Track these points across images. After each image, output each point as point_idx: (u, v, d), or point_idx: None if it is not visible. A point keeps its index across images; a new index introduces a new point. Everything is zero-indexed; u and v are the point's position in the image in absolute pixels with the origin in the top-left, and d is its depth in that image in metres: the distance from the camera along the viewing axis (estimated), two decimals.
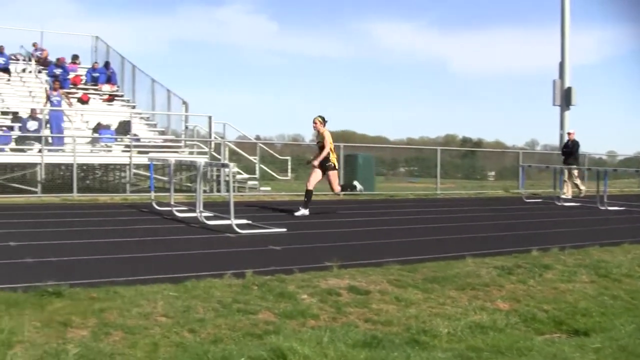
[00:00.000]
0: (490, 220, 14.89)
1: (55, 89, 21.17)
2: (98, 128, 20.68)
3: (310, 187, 14.04)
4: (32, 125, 19.38)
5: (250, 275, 7.10)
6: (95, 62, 27.50)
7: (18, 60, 27.07)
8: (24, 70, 26.46)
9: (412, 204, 19.25)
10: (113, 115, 22.40)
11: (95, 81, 26.23)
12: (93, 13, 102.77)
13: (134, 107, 24.57)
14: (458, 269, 8.14)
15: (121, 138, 20.55)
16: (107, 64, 26.94)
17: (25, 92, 24.16)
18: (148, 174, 18.94)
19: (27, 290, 6.18)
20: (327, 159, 13.81)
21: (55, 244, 9.66)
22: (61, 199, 16.85)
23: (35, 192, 17.51)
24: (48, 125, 19.78)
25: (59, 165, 21.41)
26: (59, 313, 5.58)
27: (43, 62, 26.59)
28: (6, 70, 25.41)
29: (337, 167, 14.12)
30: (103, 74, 26.42)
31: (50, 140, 19.44)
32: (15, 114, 21.09)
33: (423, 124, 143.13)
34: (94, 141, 20.58)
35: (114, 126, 20.97)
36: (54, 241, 9.94)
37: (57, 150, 19.23)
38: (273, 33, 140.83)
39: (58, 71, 25.00)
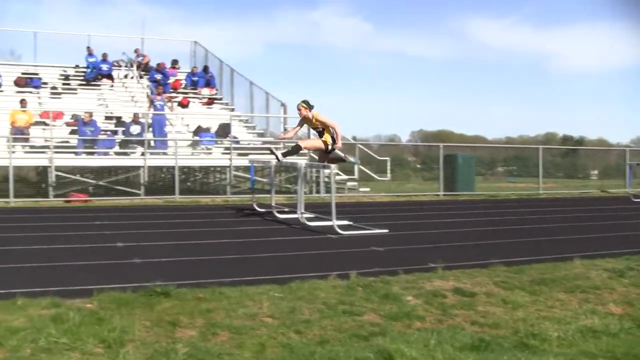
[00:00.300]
0: (597, 221, 14.37)
1: (159, 94, 21.70)
2: (198, 131, 21.04)
3: (302, 144, 13.21)
4: (135, 129, 19.90)
5: (355, 277, 7.06)
6: (194, 67, 28.06)
7: (120, 66, 27.84)
8: (126, 76, 27.22)
9: (514, 204, 18.80)
10: (213, 118, 22.75)
11: (194, 85, 26.75)
12: (191, 19, 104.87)
13: (232, 109, 24.94)
14: (566, 270, 7.87)
15: (221, 140, 20.85)
16: (205, 68, 27.44)
17: (128, 97, 24.86)
18: (247, 175, 19.14)
19: (136, 290, 6.31)
20: (322, 133, 12.61)
21: (160, 245, 9.87)
22: (164, 201, 17.23)
23: (139, 194, 17.95)
24: (150, 129, 20.25)
25: (160, 167, 21.90)
26: (167, 313, 5.69)
27: (144, 68, 27.28)
28: (109, 76, 26.24)
29: (326, 144, 12.51)
30: (202, 78, 26.92)
31: (152, 143, 19.92)
32: (118, 118, 21.70)
33: (521, 123, 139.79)
34: (194, 144, 20.94)
35: (213, 129, 21.27)
36: (159, 242, 10.16)
37: (159, 153, 19.66)
38: (368, 34, 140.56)
39: (158, 76, 25.60)
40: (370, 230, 11.36)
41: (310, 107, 12.51)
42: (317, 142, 12.67)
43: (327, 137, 12.43)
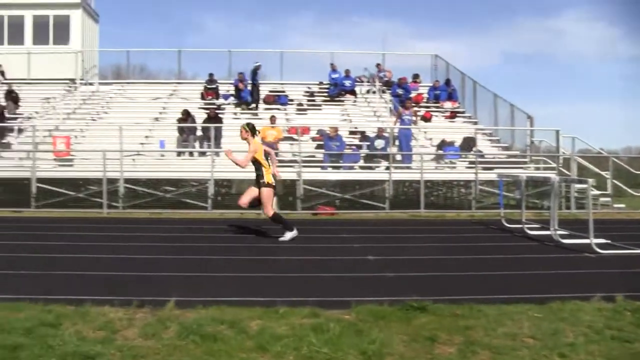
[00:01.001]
0: None
1: (407, 108, 21.76)
2: (442, 145, 20.86)
3: (269, 213, 11.94)
4: (379, 143, 20.12)
5: (621, 300, 6.56)
6: (436, 80, 27.94)
7: (362, 82, 28.42)
8: (368, 92, 27.72)
9: None
10: (456, 132, 22.47)
11: (436, 99, 26.65)
12: (431, 33, 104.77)
13: (475, 123, 24.49)
14: None
15: (465, 154, 20.52)
16: (447, 82, 27.24)
17: (370, 112, 25.26)
18: (492, 190, 18.64)
19: (391, 303, 6.31)
20: (260, 175, 11.83)
21: (410, 259, 9.85)
22: (408, 215, 17.20)
23: (384, 208, 18.05)
24: (396, 143, 20.36)
25: (402, 181, 21.94)
26: (424, 328, 5.64)
27: (385, 83, 27.63)
28: (352, 92, 26.86)
29: (272, 185, 11.84)
30: (444, 92, 26.75)
31: (398, 157, 20.01)
32: (362, 133, 22.04)
33: None
34: (437, 158, 20.78)
35: (457, 143, 21.00)
36: (408, 256, 10.13)
37: (403, 167, 19.70)
38: (615, 39, 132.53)
39: (400, 91, 25.76)
40: (633, 250, 10.52)
41: (252, 132, 11.90)
42: (267, 195, 11.79)
43: (267, 172, 11.79)
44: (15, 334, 5.31)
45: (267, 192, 11.77)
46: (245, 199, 11.96)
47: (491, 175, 18.25)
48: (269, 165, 11.86)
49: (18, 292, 6.88)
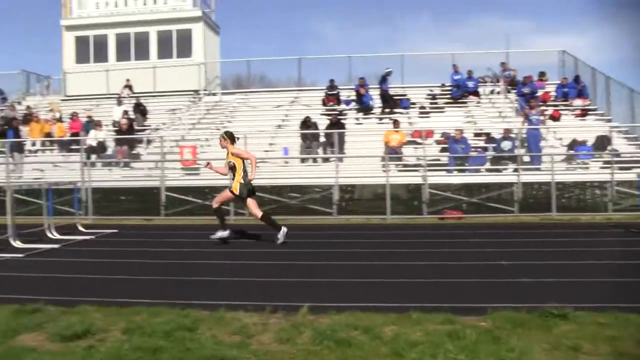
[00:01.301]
0: None
1: (532, 108, 21.08)
2: (573, 144, 20.00)
3: (214, 205, 12.53)
4: (505, 145, 19.54)
5: None
6: (564, 77, 26.87)
7: (486, 82, 27.76)
8: (492, 92, 27.01)
9: None
10: (588, 130, 21.49)
11: (565, 97, 25.59)
12: (556, 27, 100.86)
13: (609, 120, 23.35)
14: None
15: (599, 154, 19.57)
16: (577, 78, 26.12)
17: (495, 113, 24.58)
18: (630, 191, 17.70)
19: (530, 310, 6.06)
20: (234, 169, 12.21)
21: (545, 264, 9.40)
22: (539, 218, 16.58)
23: (512, 211, 17.46)
24: (525, 144, 19.72)
25: (531, 183, 21.21)
26: (566, 337, 5.38)
27: (510, 82, 26.84)
28: (476, 93, 26.22)
29: (235, 194, 12.22)
30: (573, 89, 25.65)
31: (526, 159, 19.38)
32: (488, 134, 21.46)
33: None
34: (568, 158, 19.94)
35: (590, 142, 20.06)
36: (544, 261, 9.67)
37: (531, 169, 19.03)
38: None
39: (526, 90, 24.96)
40: None
41: (231, 139, 12.27)
42: (225, 195, 12.51)
43: (237, 180, 12.14)
44: (155, 337, 5.51)
45: (227, 194, 12.44)
46: (252, 210, 12.46)
47: (629, 175, 17.32)
48: (243, 175, 12.20)
49: (155, 296, 7.12)
